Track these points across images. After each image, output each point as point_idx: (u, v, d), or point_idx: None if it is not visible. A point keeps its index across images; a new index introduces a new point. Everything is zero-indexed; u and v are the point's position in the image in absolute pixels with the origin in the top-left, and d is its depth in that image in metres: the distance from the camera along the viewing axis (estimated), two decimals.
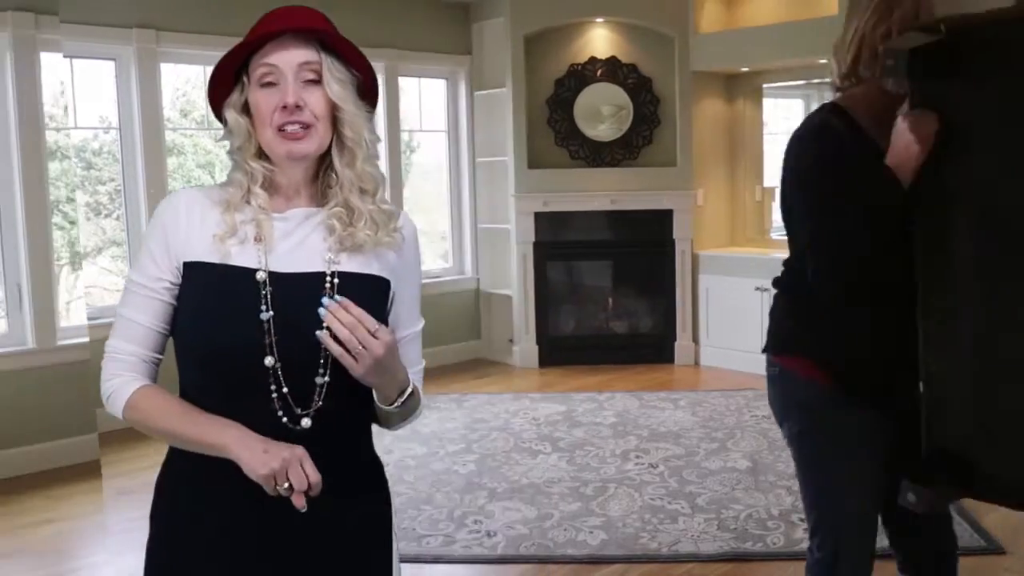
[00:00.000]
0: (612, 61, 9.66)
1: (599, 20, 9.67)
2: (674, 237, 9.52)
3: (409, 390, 2.19)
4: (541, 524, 5.50)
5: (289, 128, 2.10)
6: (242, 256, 2.13)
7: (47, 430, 6.67)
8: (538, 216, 9.62)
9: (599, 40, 9.73)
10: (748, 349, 9.08)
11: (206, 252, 2.13)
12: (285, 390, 2.09)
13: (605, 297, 9.98)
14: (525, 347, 9.74)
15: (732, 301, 9.19)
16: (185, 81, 8.61)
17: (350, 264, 2.18)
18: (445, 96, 10.29)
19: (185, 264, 2.14)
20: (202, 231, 2.14)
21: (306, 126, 2.11)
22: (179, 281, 2.15)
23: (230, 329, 2.09)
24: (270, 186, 2.19)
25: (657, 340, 9.72)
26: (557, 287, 9.93)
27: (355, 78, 2.18)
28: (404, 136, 9.87)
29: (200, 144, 8.81)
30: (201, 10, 8.06)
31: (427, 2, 9.77)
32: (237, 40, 2.11)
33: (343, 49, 2.16)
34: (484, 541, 5.30)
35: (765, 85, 9.77)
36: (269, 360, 2.07)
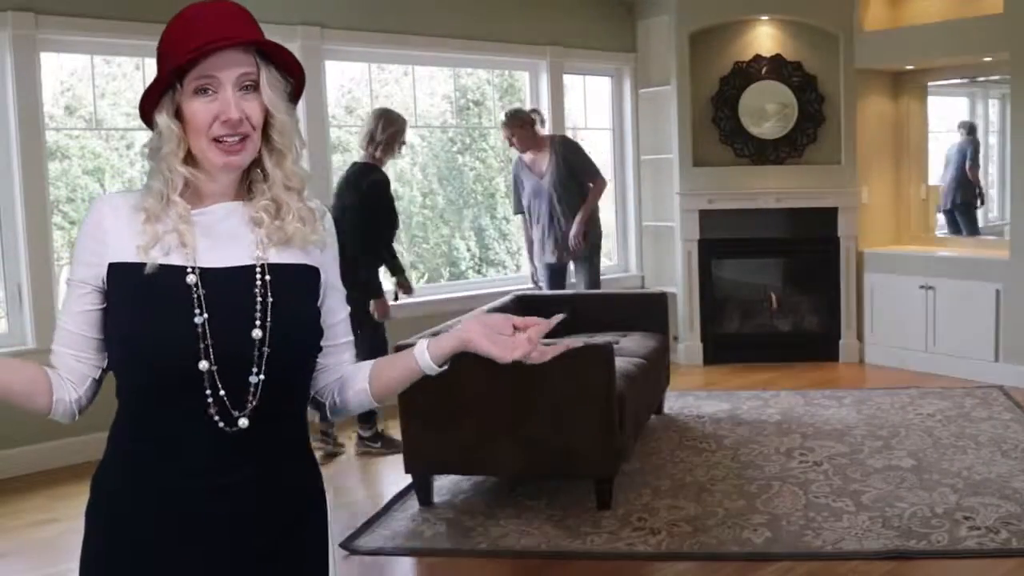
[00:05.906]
0: (777, 59, 9.68)
1: (764, 18, 9.70)
2: (839, 235, 9.50)
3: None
4: (705, 521, 5.54)
5: (228, 140, 2.07)
6: (169, 257, 2.10)
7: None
8: (703, 214, 9.68)
9: (764, 38, 9.76)
10: (913, 347, 9.07)
11: (132, 256, 2.09)
12: (222, 393, 2.07)
13: (770, 295, 9.96)
14: (690, 345, 9.82)
15: (897, 299, 9.15)
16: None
17: (278, 256, 2.17)
18: (610, 94, 10.38)
19: (110, 265, 2.11)
20: (127, 236, 2.11)
21: (244, 137, 2.08)
22: (106, 287, 2.13)
23: (162, 333, 2.06)
24: (195, 192, 2.14)
25: (822, 338, 9.70)
26: (722, 285, 9.97)
27: (288, 83, 2.16)
28: (569, 134, 9.91)
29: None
30: None
31: (592, 0, 9.86)
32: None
33: (278, 55, 2.14)
34: (648, 539, 5.34)
35: (930, 83, 9.68)
36: (204, 364, 2.05)
